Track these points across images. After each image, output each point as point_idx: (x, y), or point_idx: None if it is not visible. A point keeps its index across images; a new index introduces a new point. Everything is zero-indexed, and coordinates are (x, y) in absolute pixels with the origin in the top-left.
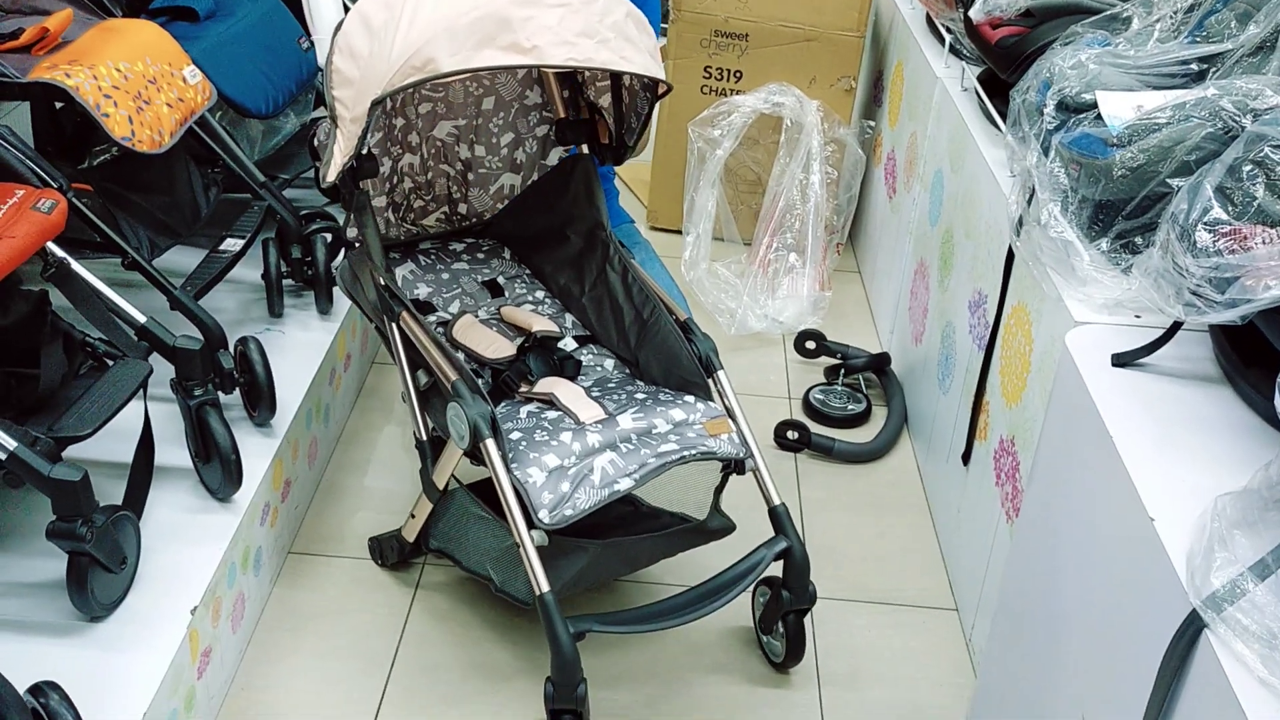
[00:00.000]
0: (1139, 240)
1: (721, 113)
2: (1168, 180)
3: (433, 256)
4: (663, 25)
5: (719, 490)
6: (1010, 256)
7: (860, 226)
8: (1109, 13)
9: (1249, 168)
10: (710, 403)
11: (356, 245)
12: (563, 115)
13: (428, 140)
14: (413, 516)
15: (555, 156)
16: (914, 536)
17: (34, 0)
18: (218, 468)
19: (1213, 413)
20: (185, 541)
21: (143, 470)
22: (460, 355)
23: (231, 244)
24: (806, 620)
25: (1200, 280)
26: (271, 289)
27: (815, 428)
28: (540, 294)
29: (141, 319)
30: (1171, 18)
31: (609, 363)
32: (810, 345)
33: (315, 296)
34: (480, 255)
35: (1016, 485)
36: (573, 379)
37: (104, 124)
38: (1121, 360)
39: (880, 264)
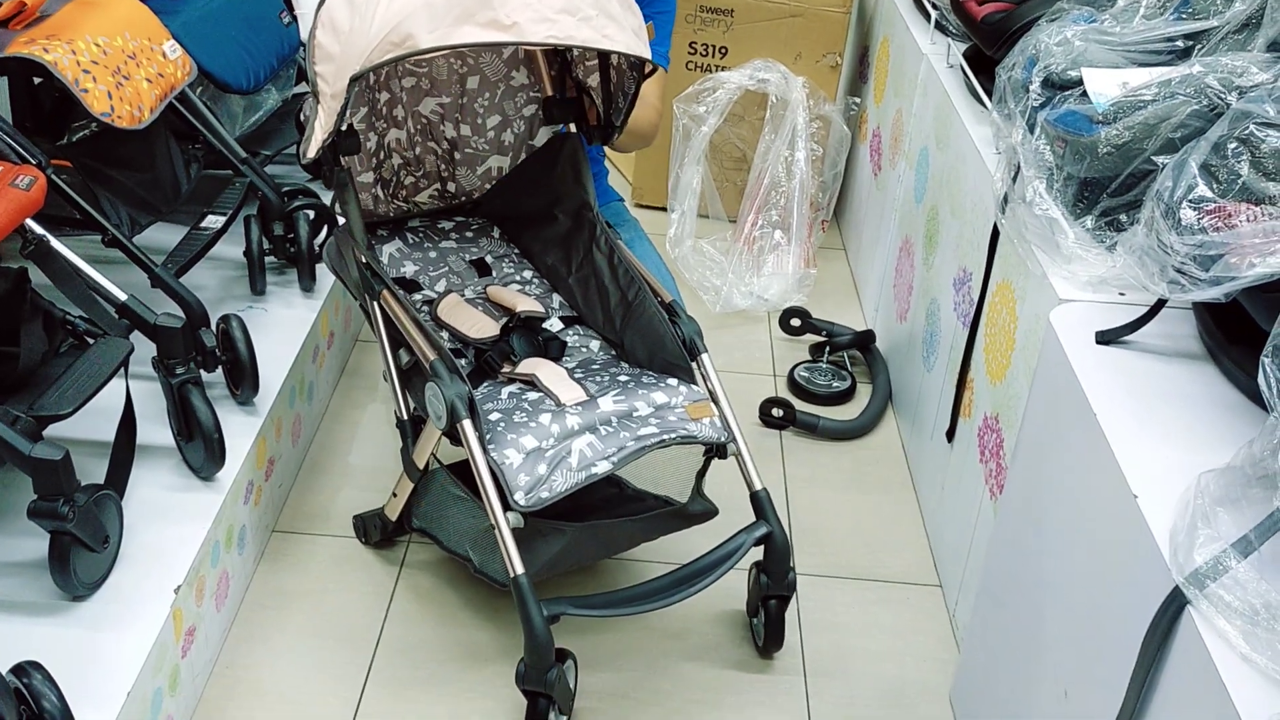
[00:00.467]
0: (1124, 218)
1: (706, 89)
2: (1153, 158)
3: (420, 234)
4: None
5: (701, 474)
6: (995, 234)
7: (845, 204)
8: None
9: (1234, 145)
10: (693, 386)
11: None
12: (550, 93)
13: (413, 115)
14: (395, 495)
15: (543, 137)
16: (898, 513)
17: None
18: (200, 446)
19: (1196, 390)
20: (168, 520)
21: (125, 449)
22: (443, 334)
23: (213, 221)
24: (792, 598)
25: (1184, 258)
26: (253, 266)
27: (800, 405)
28: (528, 274)
29: (122, 297)
30: None
31: (594, 344)
32: (795, 322)
33: (298, 274)
34: (469, 234)
35: (1000, 462)
36: (557, 360)
37: (83, 99)
38: (1106, 338)
39: (865, 241)
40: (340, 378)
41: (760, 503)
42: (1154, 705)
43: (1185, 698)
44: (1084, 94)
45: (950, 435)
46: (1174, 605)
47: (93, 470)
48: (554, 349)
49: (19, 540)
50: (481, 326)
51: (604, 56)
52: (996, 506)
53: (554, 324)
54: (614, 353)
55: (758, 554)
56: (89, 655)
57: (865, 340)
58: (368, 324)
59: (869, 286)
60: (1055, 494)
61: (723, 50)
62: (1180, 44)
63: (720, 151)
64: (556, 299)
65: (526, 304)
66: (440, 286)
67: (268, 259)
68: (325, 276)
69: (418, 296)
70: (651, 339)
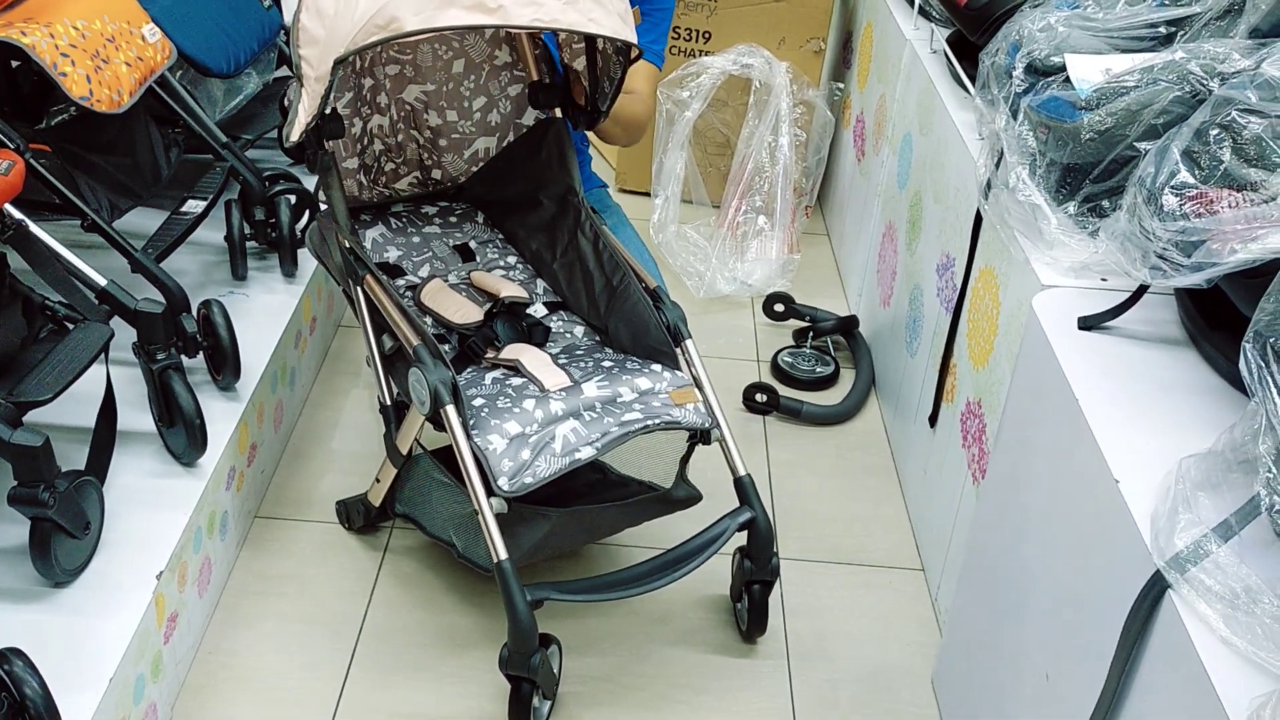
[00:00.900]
0: (1106, 204)
1: (690, 74)
2: (1135, 144)
3: (404, 219)
4: None
5: (685, 460)
6: (978, 220)
7: (829, 189)
8: None
9: (1216, 131)
10: (677, 372)
11: (325, 207)
12: (535, 77)
13: (396, 103)
14: (378, 481)
15: (531, 115)
16: (881, 498)
17: None
18: (182, 432)
19: (1178, 375)
20: (150, 506)
21: (105, 435)
22: (427, 320)
23: (193, 206)
24: (775, 583)
25: (1166, 244)
26: (235, 251)
27: (784, 390)
28: (512, 259)
29: (102, 282)
30: None
31: (579, 330)
32: (779, 308)
33: (279, 259)
34: (453, 219)
35: (983, 447)
36: (541, 345)
37: (61, 83)
38: (1088, 323)
39: (849, 227)
40: (323, 363)
41: (744, 488)
42: (1135, 688)
43: (1166, 680)
44: (1067, 80)
45: (933, 420)
46: (1155, 589)
47: (73, 456)
48: (538, 335)
49: None
50: (465, 312)
51: (590, 41)
52: (979, 491)
53: (538, 309)
54: (598, 338)
55: (742, 539)
56: (71, 642)
57: (848, 326)
58: (351, 309)
59: (852, 272)
60: (1037, 479)
61: (706, 35)
62: (1163, 30)
63: (704, 137)
64: (541, 284)
65: (510, 289)
66: (424, 272)
67: (249, 244)
68: (307, 262)
69: (401, 282)
70: (636, 325)
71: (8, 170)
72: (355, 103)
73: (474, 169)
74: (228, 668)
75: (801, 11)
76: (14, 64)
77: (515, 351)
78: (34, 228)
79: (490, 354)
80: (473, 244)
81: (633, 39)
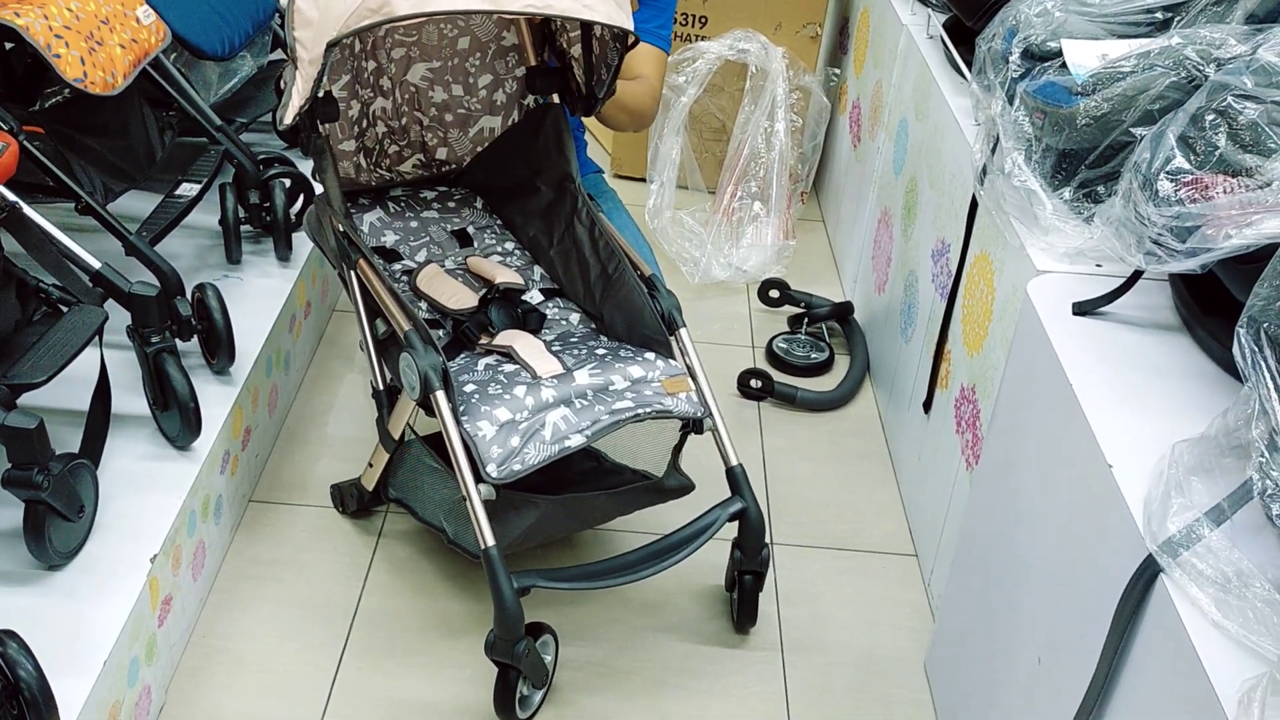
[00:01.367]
0: (1101, 189)
1: (686, 59)
2: (1131, 129)
3: (402, 204)
4: None
5: (677, 449)
6: (974, 205)
7: (825, 175)
8: None
9: (1211, 117)
10: (671, 360)
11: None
12: (534, 62)
13: (401, 85)
14: (370, 466)
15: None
16: (875, 484)
17: None
18: (176, 416)
19: (1172, 361)
20: (144, 490)
21: (100, 418)
22: (421, 305)
23: (188, 189)
24: (766, 573)
25: (1161, 229)
26: (229, 235)
27: (778, 376)
28: (510, 245)
29: (96, 265)
30: None
31: (574, 317)
32: (774, 294)
33: (274, 243)
34: (451, 204)
35: (977, 433)
36: (535, 332)
37: (55, 65)
38: (1082, 309)
39: (844, 213)
40: (318, 347)
41: (735, 479)
42: (1127, 672)
43: (1158, 664)
44: (1063, 65)
45: (927, 406)
46: (1147, 573)
47: (68, 439)
48: (533, 321)
49: None
50: (460, 297)
51: (587, 27)
52: (972, 477)
53: (534, 296)
54: (593, 326)
55: (718, 531)
56: (65, 625)
57: (843, 311)
58: (345, 293)
59: (848, 258)
60: (1031, 464)
61: (702, 20)
62: (1159, 15)
63: (699, 122)
64: (538, 271)
65: (506, 275)
66: (421, 256)
67: (243, 228)
68: (301, 246)
69: (398, 266)
70: (630, 313)
71: (1, 152)
72: (354, 85)
73: (479, 149)
74: (222, 651)
75: None
76: (8, 46)
77: (509, 338)
78: (28, 210)
79: (484, 340)
80: (471, 229)
81: (629, 26)
